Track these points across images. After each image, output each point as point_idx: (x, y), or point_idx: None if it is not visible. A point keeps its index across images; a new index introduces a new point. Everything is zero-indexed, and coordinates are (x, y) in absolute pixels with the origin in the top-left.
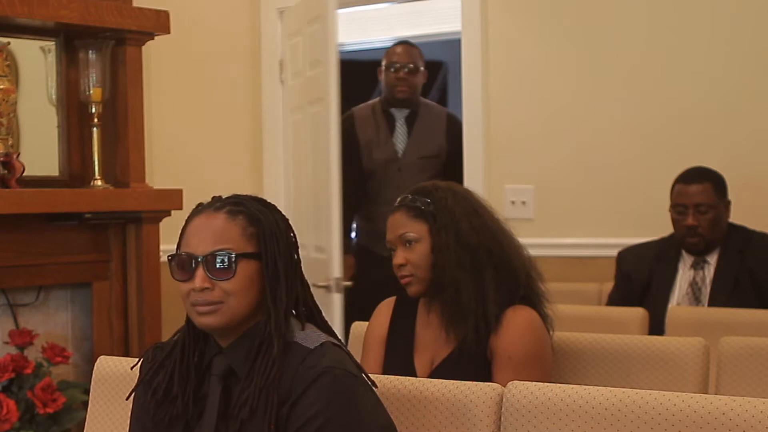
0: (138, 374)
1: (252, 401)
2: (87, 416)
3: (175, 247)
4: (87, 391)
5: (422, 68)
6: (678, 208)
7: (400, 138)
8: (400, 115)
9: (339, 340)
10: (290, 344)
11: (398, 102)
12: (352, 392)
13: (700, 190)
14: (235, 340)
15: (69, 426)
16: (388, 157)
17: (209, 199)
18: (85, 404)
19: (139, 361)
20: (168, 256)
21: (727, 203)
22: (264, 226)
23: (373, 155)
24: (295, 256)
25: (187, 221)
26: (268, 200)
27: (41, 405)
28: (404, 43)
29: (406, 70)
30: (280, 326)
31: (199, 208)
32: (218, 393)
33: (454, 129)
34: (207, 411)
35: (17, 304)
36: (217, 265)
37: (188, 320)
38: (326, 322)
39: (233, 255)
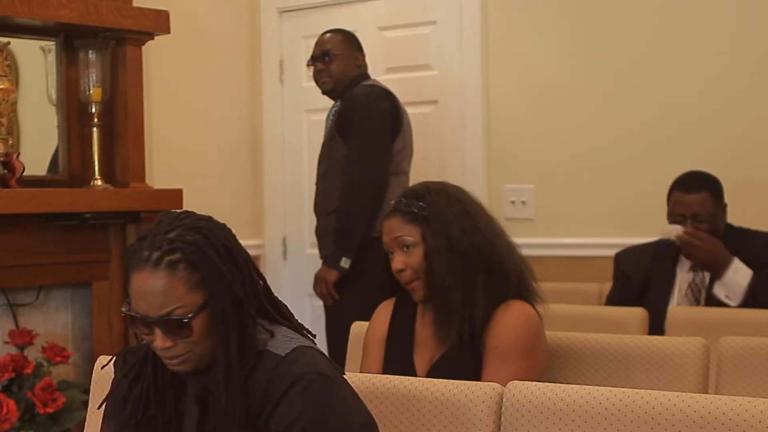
0: (111, 379)
1: None
2: (87, 416)
3: (124, 295)
4: (87, 391)
5: (344, 52)
6: (676, 218)
7: (326, 133)
8: (333, 108)
9: (310, 338)
10: (261, 353)
11: (328, 95)
12: (327, 395)
13: (698, 200)
14: (209, 362)
15: (69, 426)
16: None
17: (140, 239)
18: (85, 404)
19: (109, 361)
20: (122, 313)
21: (724, 207)
22: (206, 271)
23: None
24: (247, 266)
25: (129, 274)
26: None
27: (41, 405)
28: (325, 32)
29: (326, 59)
30: (235, 369)
31: (135, 258)
32: (195, 414)
33: (345, 103)
34: (185, 429)
35: (17, 304)
36: (173, 327)
37: None
38: (293, 317)
39: (185, 319)
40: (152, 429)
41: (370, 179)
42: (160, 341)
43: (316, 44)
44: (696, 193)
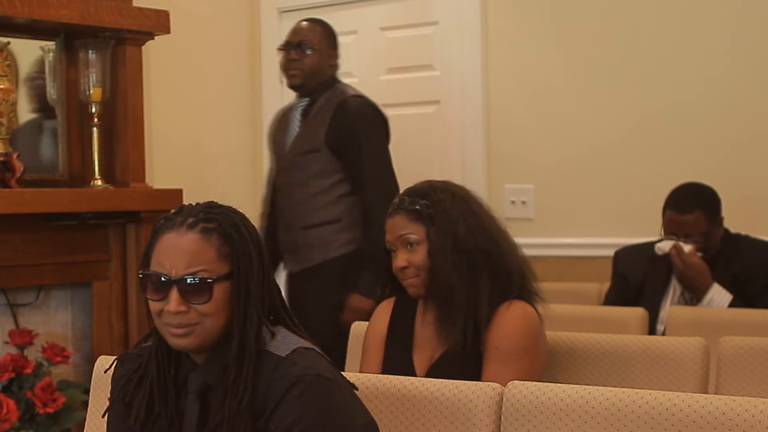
0: (111, 386)
1: (228, 427)
2: (87, 416)
3: (143, 261)
4: (87, 391)
5: (322, 48)
6: (670, 236)
7: (292, 134)
8: (299, 106)
9: (311, 342)
10: (262, 353)
11: (295, 89)
12: (327, 397)
13: (692, 221)
14: (210, 356)
15: (69, 426)
16: (279, 156)
17: (177, 210)
18: (85, 404)
19: (111, 364)
20: (139, 274)
21: (720, 221)
22: (238, 245)
23: (274, 156)
24: (268, 267)
25: (156, 236)
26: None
27: (41, 405)
28: (305, 20)
29: (302, 51)
30: (250, 348)
31: (169, 223)
32: (196, 411)
33: (341, 117)
34: (185, 429)
35: (17, 304)
36: (194, 289)
37: (158, 333)
38: (297, 323)
39: (210, 279)
40: (155, 429)
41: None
42: (174, 304)
43: (294, 31)
44: (689, 213)
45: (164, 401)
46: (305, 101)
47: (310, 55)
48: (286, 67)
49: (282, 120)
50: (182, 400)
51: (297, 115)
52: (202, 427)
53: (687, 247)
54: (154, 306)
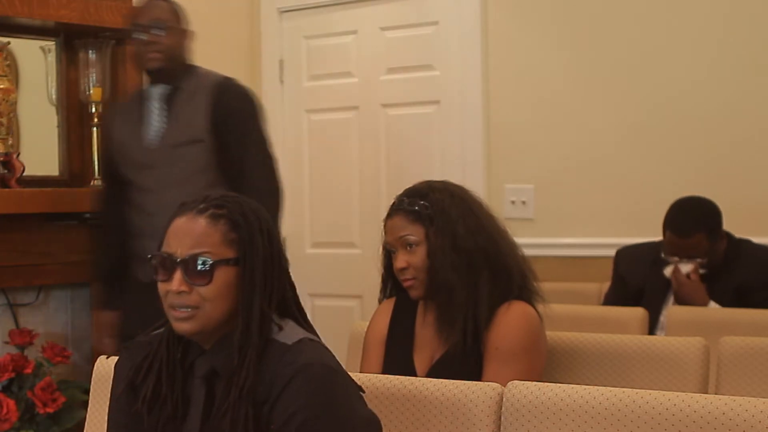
0: (110, 379)
1: (231, 413)
2: (87, 416)
3: (158, 246)
4: (87, 391)
5: (181, 27)
6: (672, 256)
7: (155, 125)
8: (156, 95)
9: (317, 337)
10: (268, 342)
11: (154, 76)
12: (331, 386)
13: (693, 244)
14: (217, 341)
15: (69, 426)
16: (138, 153)
17: (194, 198)
18: (85, 404)
19: (118, 359)
20: (149, 255)
21: (723, 235)
22: (245, 233)
23: (127, 154)
24: (280, 259)
25: (171, 220)
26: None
27: (41, 405)
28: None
29: (158, 31)
30: (253, 335)
31: (183, 209)
32: (202, 395)
33: (222, 101)
34: (191, 413)
35: (17, 304)
36: (196, 270)
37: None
38: (307, 319)
39: (211, 261)
40: (161, 413)
41: (281, 195)
42: (176, 284)
43: (140, 12)
44: (689, 237)
45: (171, 385)
46: (164, 88)
47: (166, 35)
48: (142, 52)
49: (126, 113)
50: (189, 385)
51: (155, 105)
52: (207, 412)
53: (688, 266)
54: (161, 287)
